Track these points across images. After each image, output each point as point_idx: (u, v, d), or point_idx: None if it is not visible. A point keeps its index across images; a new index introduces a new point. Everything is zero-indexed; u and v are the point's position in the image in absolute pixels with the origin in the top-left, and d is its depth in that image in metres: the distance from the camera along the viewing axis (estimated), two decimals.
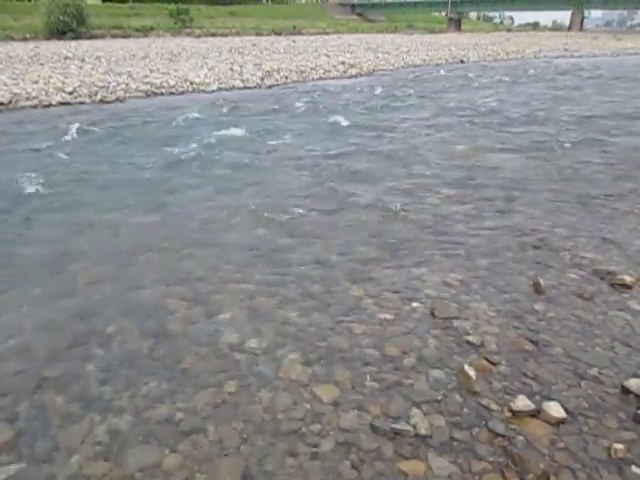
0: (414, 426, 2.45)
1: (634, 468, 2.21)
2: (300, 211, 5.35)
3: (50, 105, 12.27)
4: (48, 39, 35.89)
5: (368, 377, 2.82)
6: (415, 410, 2.56)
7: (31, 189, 5.94)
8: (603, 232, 4.77)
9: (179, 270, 4.10)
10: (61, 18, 36.75)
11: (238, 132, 9.03)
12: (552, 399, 2.60)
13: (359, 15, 77.66)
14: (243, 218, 5.18)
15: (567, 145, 8.23)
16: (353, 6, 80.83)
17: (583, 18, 77.05)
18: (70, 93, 13.20)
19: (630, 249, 4.41)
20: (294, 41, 37.67)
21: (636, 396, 2.63)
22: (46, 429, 2.48)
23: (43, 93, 12.81)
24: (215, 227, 4.98)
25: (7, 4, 46.50)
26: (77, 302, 3.61)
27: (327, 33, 53.90)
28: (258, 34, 48.78)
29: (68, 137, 8.82)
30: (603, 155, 7.66)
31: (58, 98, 12.73)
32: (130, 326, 3.32)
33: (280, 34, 49.85)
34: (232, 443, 2.39)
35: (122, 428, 2.47)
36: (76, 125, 9.35)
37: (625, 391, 2.66)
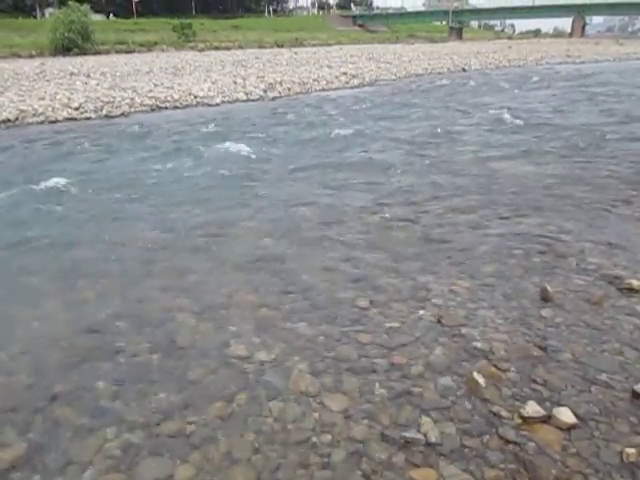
0: (425, 434, 2.45)
1: None
2: (305, 221, 5.38)
3: (57, 121, 12.41)
4: (54, 55, 36.33)
5: (377, 386, 2.83)
6: (425, 418, 2.56)
7: (41, 204, 6.01)
8: (610, 237, 4.76)
9: (186, 282, 4.13)
10: (66, 35, 37.29)
11: (239, 146, 9.00)
12: (562, 405, 2.59)
13: (360, 26, 78.12)
14: (247, 229, 5.21)
15: (572, 151, 8.24)
16: (354, 17, 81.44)
17: (584, 24, 77.26)
18: (76, 109, 13.34)
19: (637, 253, 4.40)
20: (296, 53, 37.93)
21: None
22: (58, 442, 2.49)
23: (50, 109, 12.95)
24: (220, 238, 5.00)
25: (13, 22, 47.20)
26: (86, 316, 3.64)
27: (329, 44, 54.24)
28: (261, 47, 49.19)
29: (74, 151, 8.92)
30: (608, 160, 7.66)
31: (64, 114, 12.87)
32: (139, 339, 3.34)
33: (282, 46, 50.19)
34: (243, 454, 2.40)
35: (134, 441, 2.49)
36: (80, 140, 9.44)
37: (636, 395, 2.65)
